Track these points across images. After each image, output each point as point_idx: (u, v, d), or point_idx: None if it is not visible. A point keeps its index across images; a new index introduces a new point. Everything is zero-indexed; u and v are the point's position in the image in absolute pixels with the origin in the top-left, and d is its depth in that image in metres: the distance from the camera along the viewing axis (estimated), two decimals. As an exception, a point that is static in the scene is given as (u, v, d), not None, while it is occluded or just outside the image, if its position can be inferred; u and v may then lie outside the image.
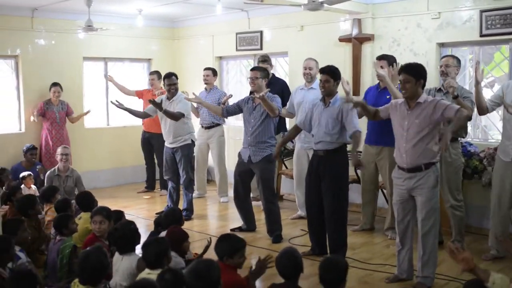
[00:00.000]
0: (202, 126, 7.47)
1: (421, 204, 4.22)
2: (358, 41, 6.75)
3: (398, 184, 4.34)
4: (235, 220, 6.35)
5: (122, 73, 8.78)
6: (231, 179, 6.83)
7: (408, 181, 4.24)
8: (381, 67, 5.35)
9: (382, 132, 5.35)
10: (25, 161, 7.36)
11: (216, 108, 6.28)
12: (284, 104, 6.15)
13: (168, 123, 6.45)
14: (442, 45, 6.29)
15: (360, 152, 5.71)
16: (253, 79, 5.61)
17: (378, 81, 5.62)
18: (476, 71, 4.72)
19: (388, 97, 5.30)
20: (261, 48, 7.98)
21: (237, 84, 8.72)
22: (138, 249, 3.78)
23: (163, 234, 4.14)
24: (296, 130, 5.36)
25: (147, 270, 3.35)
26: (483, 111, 4.95)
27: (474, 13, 5.90)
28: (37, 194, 5.98)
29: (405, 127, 4.21)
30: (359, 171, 6.05)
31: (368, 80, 6.61)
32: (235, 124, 8.24)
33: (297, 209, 6.60)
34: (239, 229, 5.96)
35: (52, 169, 6.56)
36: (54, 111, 7.65)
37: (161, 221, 4.54)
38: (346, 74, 6.48)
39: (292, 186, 6.92)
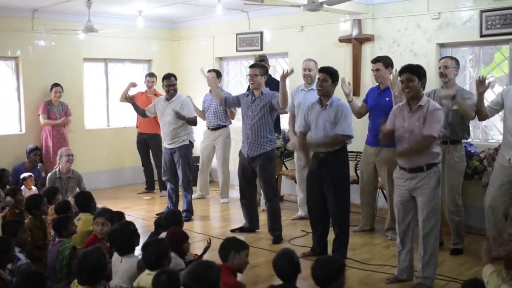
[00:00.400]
0: (208, 128, 7.45)
1: (422, 204, 4.21)
2: (358, 42, 6.76)
3: (399, 184, 4.34)
4: (236, 221, 6.35)
5: (122, 74, 8.77)
6: (233, 180, 6.83)
7: (410, 181, 4.23)
8: (378, 69, 5.48)
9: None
10: (27, 162, 7.36)
11: (220, 95, 6.16)
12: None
13: (167, 124, 6.44)
14: (442, 45, 6.29)
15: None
16: (252, 76, 5.59)
17: (377, 83, 5.64)
18: (481, 84, 4.82)
19: (387, 99, 5.32)
20: (261, 49, 7.98)
21: (237, 85, 8.71)
22: (138, 251, 3.78)
23: (163, 235, 4.15)
24: (304, 135, 5.09)
25: (147, 271, 3.36)
26: (483, 117, 5.01)
27: (474, 13, 5.90)
28: (37, 195, 5.98)
29: (406, 129, 4.22)
30: (358, 172, 6.05)
31: (368, 80, 6.60)
32: (236, 125, 8.22)
33: (297, 210, 6.59)
34: (240, 229, 5.96)
35: (53, 171, 6.49)
36: (54, 112, 7.66)
37: (161, 222, 4.54)
38: (346, 74, 6.48)
39: (292, 187, 6.91)
